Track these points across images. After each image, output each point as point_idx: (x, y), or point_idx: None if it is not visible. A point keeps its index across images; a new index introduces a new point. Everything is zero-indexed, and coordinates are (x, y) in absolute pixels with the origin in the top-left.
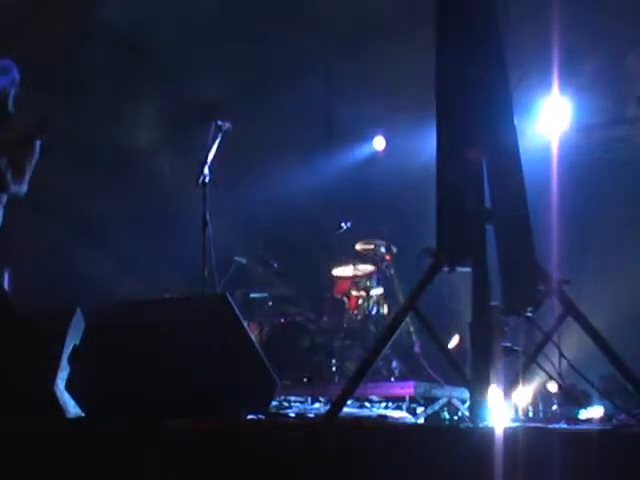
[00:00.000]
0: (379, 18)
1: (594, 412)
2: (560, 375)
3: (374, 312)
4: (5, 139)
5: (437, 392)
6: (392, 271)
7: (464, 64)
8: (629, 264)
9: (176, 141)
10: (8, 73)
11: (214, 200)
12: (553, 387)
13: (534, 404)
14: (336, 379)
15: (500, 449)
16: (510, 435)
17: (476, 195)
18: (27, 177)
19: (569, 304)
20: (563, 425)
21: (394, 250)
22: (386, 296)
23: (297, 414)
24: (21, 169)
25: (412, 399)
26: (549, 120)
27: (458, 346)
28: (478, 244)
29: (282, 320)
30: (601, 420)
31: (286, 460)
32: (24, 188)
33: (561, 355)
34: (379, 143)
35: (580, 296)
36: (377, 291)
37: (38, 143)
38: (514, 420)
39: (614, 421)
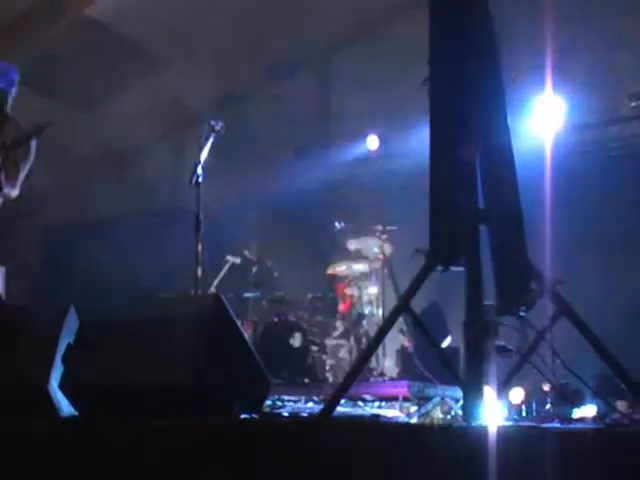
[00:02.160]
0: (376, 16)
1: (587, 411)
2: (553, 374)
3: (368, 311)
4: (1, 141)
5: (430, 391)
6: (386, 270)
7: (457, 63)
8: (623, 263)
9: (172, 140)
10: (6, 75)
11: (207, 199)
12: (546, 386)
13: (527, 403)
14: (329, 378)
15: (493, 448)
16: (503, 434)
17: (469, 195)
18: (20, 179)
19: (562, 303)
20: (556, 424)
21: (387, 249)
22: (380, 295)
23: (290, 413)
24: (15, 171)
25: (405, 398)
26: (543, 119)
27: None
28: (471, 244)
29: (276, 319)
30: (594, 419)
31: (279, 459)
32: (16, 191)
33: (554, 354)
34: (373, 142)
35: (573, 295)
36: (371, 290)
37: (34, 144)
38: (507, 419)
39: (607, 420)
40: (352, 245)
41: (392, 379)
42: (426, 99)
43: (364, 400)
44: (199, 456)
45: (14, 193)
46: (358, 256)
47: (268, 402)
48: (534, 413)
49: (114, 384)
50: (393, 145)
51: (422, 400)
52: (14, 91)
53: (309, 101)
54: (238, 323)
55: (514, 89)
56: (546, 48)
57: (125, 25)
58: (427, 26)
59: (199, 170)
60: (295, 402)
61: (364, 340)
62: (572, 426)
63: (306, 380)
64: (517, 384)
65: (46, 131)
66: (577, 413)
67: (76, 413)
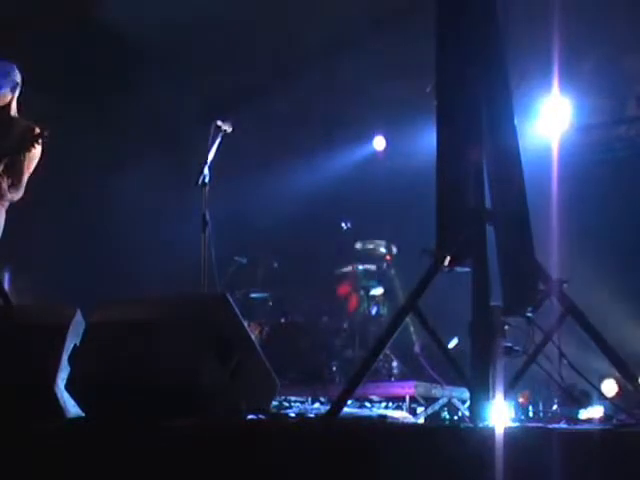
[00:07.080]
0: (379, 17)
1: (594, 412)
2: (560, 375)
3: (374, 312)
4: (4, 144)
5: (437, 392)
6: (392, 271)
7: (464, 64)
8: (628, 264)
9: (176, 141)
10: (10, 77)
11: (214, 200)
12: (553, 387)
13: (534, 404)
14: (336, 379)
15: (500, 449)
16: (510, 435)
17: (476, 195)
18: (24, 183)
19: (569, 304)
20: (563, 425)
21: (394, 250)
22: (386, 296)
23: (297, 414)
24: (19, 176)
25: (412, 399)
26: (549, 120)
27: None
28: (478, 244)
29: (282, 320)
30: (601, 420)
31: (286, 460)
32: (20, 194)
33: (561, 355)
34: (379, 143)
35: (579, 296)
36: (377, 291)
37: (39, 148)
38: (514, 420)
39: (614, 421)
40: (359, 245)
41: (399, 380)
42: (433, 100)
43: (371, 401)
44: (205, 456)
45: (17, 196)
46: (364, 256)
47: (275, 403)
48: (541, 414)
49: (121, 385)
50: (399, 146)
51: (429, 401)
52: (17, 93)
53: (315, 101)
54: (245, 324)
55: (521, 90)
56: (553, 49)
57: (127, 26)
58: (433, 27)
59: (206, 170)
60: (302, 403)
61: (371, 341)
62: (579, 427)
63: (313, 381)
64: (523, 385)
65: (48, 135)
66: (584, 414)
67: (82, 414)
